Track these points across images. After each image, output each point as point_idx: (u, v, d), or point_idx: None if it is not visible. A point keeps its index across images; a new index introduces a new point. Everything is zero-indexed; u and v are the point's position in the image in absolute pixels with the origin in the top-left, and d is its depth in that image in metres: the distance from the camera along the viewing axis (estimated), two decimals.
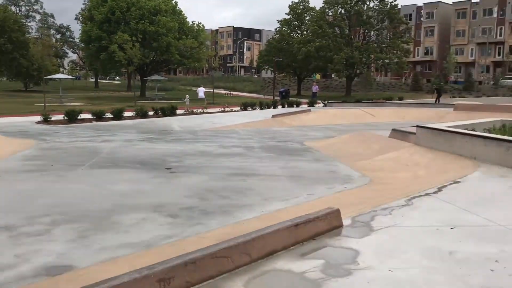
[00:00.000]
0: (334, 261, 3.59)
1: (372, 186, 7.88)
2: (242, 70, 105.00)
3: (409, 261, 3.59)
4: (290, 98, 38.17)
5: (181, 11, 49.59)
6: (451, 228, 4.42)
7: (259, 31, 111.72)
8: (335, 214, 4.44)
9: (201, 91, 31.43)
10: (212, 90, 41.72)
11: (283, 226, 3.90)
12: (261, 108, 28.74)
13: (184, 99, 29.68)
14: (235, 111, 26.95)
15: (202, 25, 50.88)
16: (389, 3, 53.56)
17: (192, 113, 24.90)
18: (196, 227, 5.29)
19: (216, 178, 8.23)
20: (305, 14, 60.28)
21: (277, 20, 61.66)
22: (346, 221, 4.65)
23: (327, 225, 4.30)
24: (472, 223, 4.64)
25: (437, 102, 35.85)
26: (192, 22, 50.57)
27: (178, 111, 23.63)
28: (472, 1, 70.78)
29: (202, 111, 25.67)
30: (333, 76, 67.66)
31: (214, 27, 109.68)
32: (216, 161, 10.27)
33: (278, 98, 40.01)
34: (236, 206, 6.27)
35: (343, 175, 8.90)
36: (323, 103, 35.17)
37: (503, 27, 67.75)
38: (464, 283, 3.17)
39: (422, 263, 3.55)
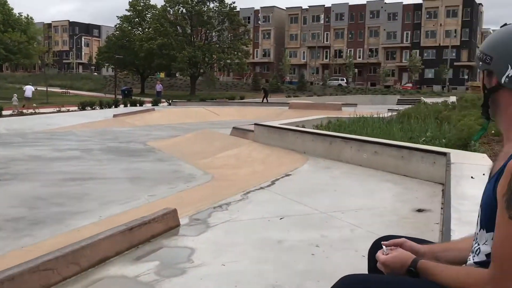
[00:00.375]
0: (169, 261, 3.59)
1: (214, 183, 8.08)
2: (80, 67, 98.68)
3: (241, 254, 3.76)
4: (133, 97, 37.13)
5: (5, 1, 44.68)
6: (281, 219, 4.75)
7: (98, 27, 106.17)
8: (172, 214, 4.44)
9: (28, 90, 28.29)
10: (45, 89, 38.43)
11: (117, 231, 3.76)
12: (101, 108, 27.40)
13: (12, 98, 26.81)
14: (72, 111, 25.23)
15: (31, 18, 46.55)
16: (228, 5, 55.43)
17: (22, 114, 22.65)
18: (23, 239, 4.83)
19: (49, 185, 7.61)
20: (146, 12, 59.18)
21: (117, 16, 59.48)
22: (184, 220, 4.68)
23: (164, 226, 4.27)
24: (299, 212, 5.05)
25: (264, 101, 38.16)
26: (19, 14, 45.90)
27: (5, 112, 21.27)
28: (303, 7, 77.00)
29: (34, 111, 23.50)
30: (177, 75, 67.66)
31: (47, 21, 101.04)
32: (50, 166, 9.50)
33: (120, 97, 38.58)
34: (71, 213, 5.88)
35: (187, 174, 8.96)
36: (167, 102, 34.94)
37: (329, 32, 75.12)
38: (290, 269, 3.43)
39: (253, 254, 3.75)
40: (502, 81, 1.31)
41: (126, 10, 58.71)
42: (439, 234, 4.10)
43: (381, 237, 1.74)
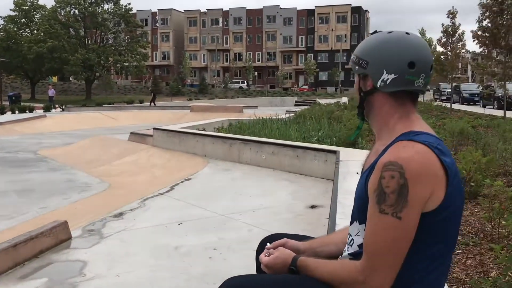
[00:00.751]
0: (58, 277, 3.39)
1: (111, 191, 7.77)
2: None
3: (137, 263, 3.66)
4: (22, 103, 34.45)
5: None
6: (179, 224, 4.71)
7: None
8: (62, 226, 4.20)
9: None
10: None
11: None
12: None
13: None
14: None
15: None
16: (123, 7, 53.71)
17: None
18: None
19: None
20: (35, 12, 55.29)
21: (0, 17, 54.85)
22: (76, 232, 4.46)
23: (53, 240, 4.03)
24: (198, 216, 5.04)
25: (151, 105, 37.69)
26: None
27: None
28: (201, 10, 76.99)
29: None
30: (71, 79, 64.12)
31: None
32: None
33: (7, 103, 35.61)
34: None
35: (81, 183, 8.52)
36: (61, 108, 32.95)
37: (228, 36, 75.92)
38: (187, 274, 3.41)
39: (150, 262, 3.67)
40: (378, 84, 1.41)
41: (10, 10, 54.44)
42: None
43: (266, 237, 1.78)
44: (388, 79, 1.39)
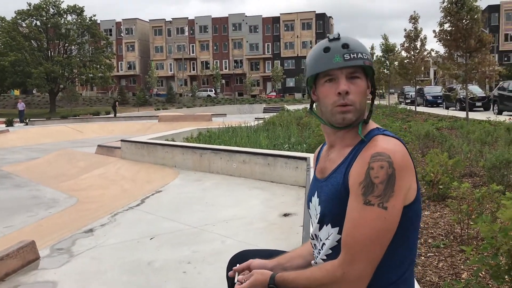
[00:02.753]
0: None
1: (79, 207, 7.59)
2: None
3: (109, 280, 3.57)
4: None
5: None
6: (151, 239, 4.63)
7: None
8: (30, 246, 4.06)
9: None
10: None
11: None
12: None
13: None
14: None
15: None
16: (88, 18, 52.85)
17: None
18: None
19: None
20: None
21: None
22: (44, 252, 4.32)
23: (20, 261, 3.89)
24: (170, 229, 4.96)
25: (114, 116, 37.26)
26: None
27: None
28: (166, 19, 76.51)
29: None
30: (34, 91, 62.52)
31: None
32: None
33: None
34: None
35: (48, 199, 8.29)
36: (24, 122, 32.10)
37: (194, 44, 75.68)
38: None
39: (122, 279, 3.58)
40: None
41: None
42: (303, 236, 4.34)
43: (234, 255, 1.77)
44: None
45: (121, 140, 11.76)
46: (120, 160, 11.15)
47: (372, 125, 1.46)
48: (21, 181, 10.50)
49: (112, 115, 38.45)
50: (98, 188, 9.05)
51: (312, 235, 1.56)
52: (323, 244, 1.46)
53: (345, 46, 1.40)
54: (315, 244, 1.53)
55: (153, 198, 6.78)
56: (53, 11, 51.71)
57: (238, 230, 4.78)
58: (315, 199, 1.53)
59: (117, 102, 39.96)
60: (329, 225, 1.43)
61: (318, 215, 1.49)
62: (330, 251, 1.44)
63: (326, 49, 1.43)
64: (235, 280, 1.58)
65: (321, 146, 1.67)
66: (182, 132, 14.72)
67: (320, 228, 1.48)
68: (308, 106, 1.66)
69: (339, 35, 1.44)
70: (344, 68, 1.39)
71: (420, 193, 1.39)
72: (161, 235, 4.75)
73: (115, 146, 12.25)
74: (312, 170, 5.78)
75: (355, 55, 1.40)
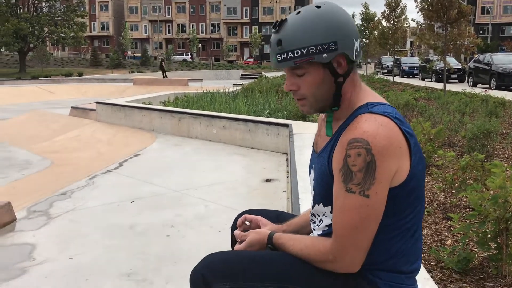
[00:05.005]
0: (5, 262, 3.16)
1: (54, 169, 7.40)
2: None
3: (90, 244, 3.49)
4: None
5: None
6: (131, 202, 4.54)
7: None
8: (6, 208, 3.93)
9: None
10: None
11: None
12: None
13: None
14: None
15: None
16: None
17: None
18: None
19: None
20: None
21: None
22: (20, 214, 4.19)
23: None
24: (151, 193, 4.89)
25: (164, 77, 34.98)
26: None
27: None
28: None
29: None
30: (3, 50, 60.15)
31: None
32: None
33: None
34: None
35: (21, 160, 8.05)
36: None
37: (170, 6, 73.76)
38: (144, 254, 3.29)
39: (104, 243, 3.51)
40: (354, 57, 1.30)
41: None
42: (286, 202, 4.33)
43: (240, 213, 1.72)
44: (357, 47, 1.32)
45: (96, 102, 11.47)
46: (95, 122, 10.90)
47: (363, 98, 1.33)
48: None
49: (158, 76, 35.84)
50: (73, 150, 8.84)
51: (311, 208, 1.50)
52: (320, 220, 1.42)
53: (279, 43, 1.27)
54: (312, 219, 1.48)
55: (132, 161, 6.66)
56: None
57: (221, 195, 4.74)
58: (312, 174, 1.48)
59: (163, 62, 37.45)
60: (321, 204, 1.38)
61: (313, 192, 1.45)
62: (326, 228, 1.39)
63: (269, 43, 1.33)
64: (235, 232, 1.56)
65: None
66: (159, 96, 14.45)
67: (313, 205, 1.44)
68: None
69: (279, 25, 1.29)
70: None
71: (419, 168, 1.28)
72: (142, 199, 4.67)
73: (89, 108, 11.95)
74: (296, 137, 5.75)
75: (285, 55, 1.27)
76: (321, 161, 1.36)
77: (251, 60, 66.05)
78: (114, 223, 3.95)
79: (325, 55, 1.26)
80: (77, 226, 3.91)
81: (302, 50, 1.25)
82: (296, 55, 1.26)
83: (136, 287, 2.80)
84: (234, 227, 1.68)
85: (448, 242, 2.96)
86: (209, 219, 4.01)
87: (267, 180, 5.26)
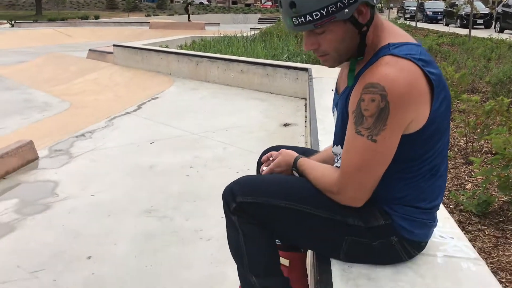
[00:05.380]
0: (29, 197, 3.26)
1: (73, 111, 7.47)
2: None
3: (111, 182, 3.56)
4: None
5: None
6: (151, 143, 4.59)
7: None
8: (28, 146, 4.00)
9: None
10: None
11: None
12: None
13: None
14: None
15: None
16: None
17: None
18: None
19: None
20: None
21: None
22: (43, 152, 4.28)
23: (19, 160, 3.85)
24: (170, 135, 4.91)
25: (188, 20, 34.24)
26: None
27: None
28: None
29: None
30: None
31: None
32: None
33: None
34: None
35: (41, 102, 8.14)
36: (9, 24, 30.87)
37: None
38: (164, 193, 3.35)
39: (125, 182, 3.58)
40: (374, 1, 1.22)
41: None
42: (304, 146, 4.32)
43: (267, 148, 1.76)
44: None
45: (114, 45, 11.37)
46: (113, 65, 10.86)
47: (385, 38, 1.25)
48: (11, 83, 10.26)
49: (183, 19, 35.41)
50: (92, 93, 8.88)
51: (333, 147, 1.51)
52: (339, 159, 1.44)
53: (292, 5, 1.18)
54: (335, 155, 1.49)
55: (150, 104, 6.67)
56: None
57: (239, 138, 4.75)
58: (334, 115, 1.47)
59: (189, 5, 36.62)
60: (339, 146, 1.39)
61: (334, 132, 1.45)
62: None
63: (279, 3, 1.23)
64: (262, 167, 1.64)
65: None
66: (176, 39, 14.25)
67: (333, 145, 1.46)
68: None
69: None
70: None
71: (442, 109, 1.22)
72: (160, 141, 4.70)
73: (107, 51, 11.87)
74: (315, 81, 5.65)
75: (302, 19, 1.19)
76: (342, 102, 1.34)
77: (269, 3, 64.29)
78: (134, 163, 4.01)
79: (346, 10, 1.18)
80: (98, 165, 3.98)
81: (321, 11, 1.17)
82: (315, 17, 1.18)
83: (157, 223, 2.87)
84: (259, 163, 1.73)
85: (468, 186, 2.94)
86: (227, 161, 4.03)
87: (285, 125, 5.24)
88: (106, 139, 4.81)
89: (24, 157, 3.92)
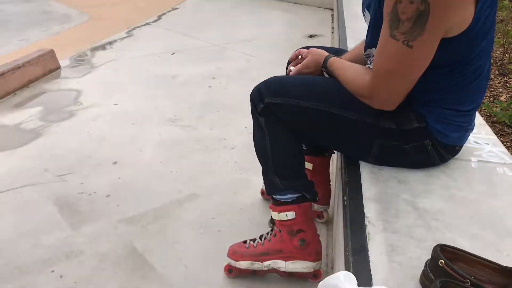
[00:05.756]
0: (53, 105, 3.27)
1: (93, 22, 7.32)
2: None
3: (134, 92, 3.53)
4: None
5: None
6: (172, 54, 4.49)
7: None
8: (49, 55, 3.95)
9: None
10: None
11: None
12: None
13: None
14: None
15: None
16: None
17: None
18: None
19: None
20: None
21: None
22: (64, 62, 4.24)
23: (41, 69, 3.82)
24: (191, 46, 4.79)
25: None
26: None
27: None
28: None
29: None
30: None
31: None
32: None
33: None
34: None
35: (60, 14, 7.97)
36: None
37: None
38: (188, 102, 3.31)
39: (147, 91, 3.54)
40: None
41: None
42: None
43: (298, 49, 1.67)
44: None
45: None
46: None
47: None
48: None
49: None
50: (110, 4, 8.64)
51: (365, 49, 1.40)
52: (372, 61, 1.33)
53: None
54: (368, 56, 1.39)
55: (170, 15, 6.47)
56: None
57: (262, 49, 4.60)
58: (366, 13, 1.35)
59: None
60: (373, 49, 1.28)
61: (365, 35, 1.34)
62: None
63: None
64: (290, 66, 1.57)
65: None
66: None
67: (365, 49, 1.36)
68: None
69: None
70: None
71: (486, 6, 1.08)
72: (182, 51, 4.59)
73: None
74: None
75: None
76: (375, 2, 1.22)
77: None
78: (156, 73, 3.95)
79: None
80: (120, 75, 3.94)
81: None
82: None
83: (181, 131, 2.86)
84: (288, 63, 1.67)
85: (502, 98, 2.82)
86: (250, 72, 3.94)
87: (311, 36, 5.04)
88: (127, 49, 4.72)
89: (46, 66, 3.88)
